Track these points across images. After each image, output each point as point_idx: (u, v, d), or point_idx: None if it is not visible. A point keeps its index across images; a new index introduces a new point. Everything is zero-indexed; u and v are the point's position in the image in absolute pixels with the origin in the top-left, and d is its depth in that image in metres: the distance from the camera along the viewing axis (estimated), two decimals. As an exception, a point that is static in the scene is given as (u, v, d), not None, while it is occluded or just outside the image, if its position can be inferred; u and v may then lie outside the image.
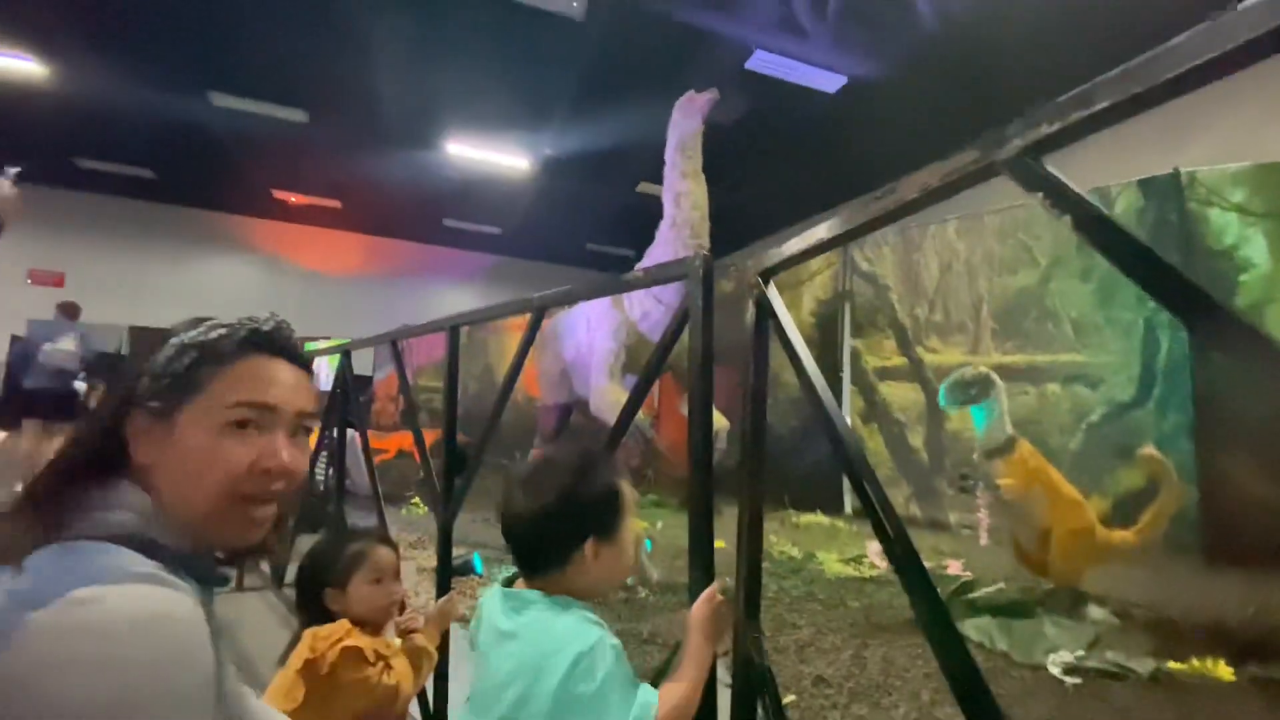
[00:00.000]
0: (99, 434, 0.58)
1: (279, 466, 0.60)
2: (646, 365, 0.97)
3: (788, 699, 2.00)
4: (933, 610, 0.55)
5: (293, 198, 10.29)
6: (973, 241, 4.79)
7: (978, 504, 3.24)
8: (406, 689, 1.17)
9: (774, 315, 0.79)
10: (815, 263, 5.61)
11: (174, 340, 0.61)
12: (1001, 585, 2.86)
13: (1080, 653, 2.26)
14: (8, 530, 0.51)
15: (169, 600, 0.48)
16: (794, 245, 0.77)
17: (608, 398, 5.28)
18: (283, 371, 0.63)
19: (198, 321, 0.63)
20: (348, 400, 2.29)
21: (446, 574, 1.36)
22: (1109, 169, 4.29)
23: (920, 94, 5.43)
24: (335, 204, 10.47)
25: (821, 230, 0.74)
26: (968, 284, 4.77)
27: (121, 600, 0.46)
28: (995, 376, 2.88)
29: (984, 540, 3.32)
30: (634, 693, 0.69)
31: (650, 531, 3.23)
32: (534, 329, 1.32)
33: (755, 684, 0.76)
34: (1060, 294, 4.24)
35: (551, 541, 0.78)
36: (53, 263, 9.64)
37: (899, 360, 5.04)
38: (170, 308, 10.87)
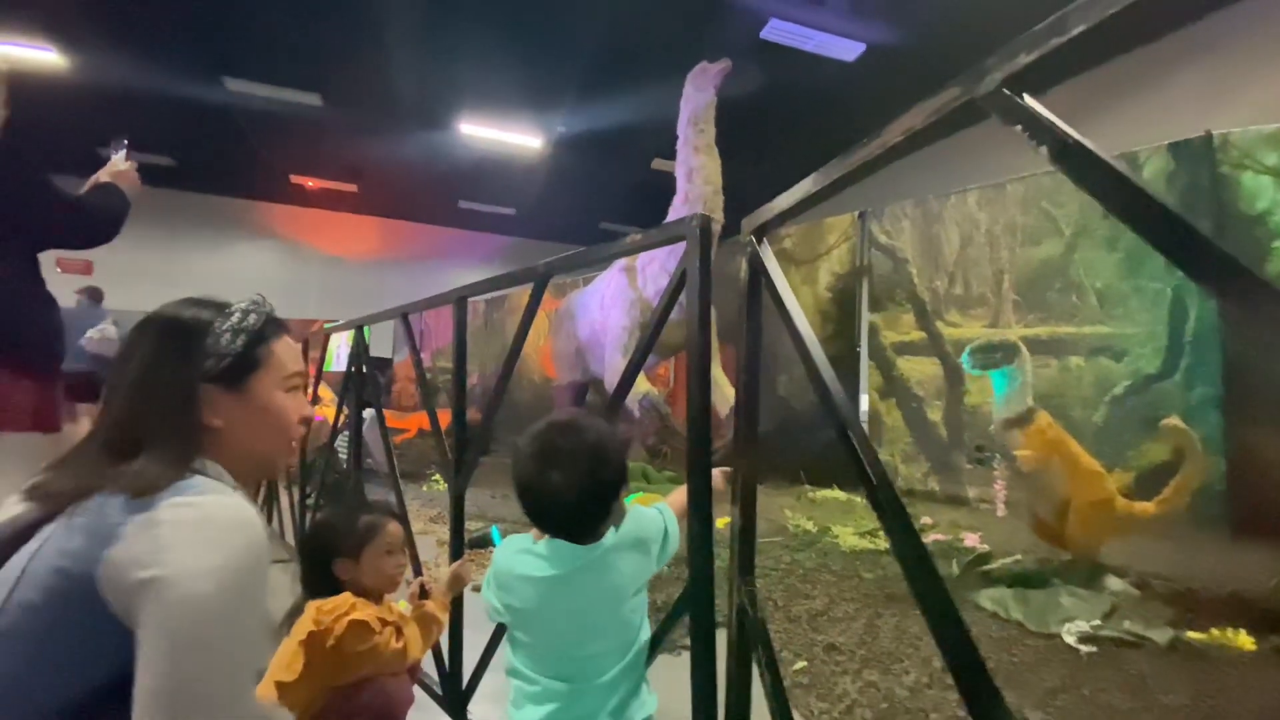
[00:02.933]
0: (176, 409, 0.72)
1: (310, 418, 0.84)
2: (647, 328, 0.98)
3: (798, 665, 2.03)
4: (915, 557, 0.56)
5: (310, 182, 10.39)
6: (994, 211, 4.68)
7: (995, 476, 3.21)
8: (415, 653, 1.21)
9: (766, 273, 0.78)
10: (832, 236, 5.52)
11: (219, 326, 0.76)
12: (1018, 557, 2.84)
13: (1096, 622, 2.24)
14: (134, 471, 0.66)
15: (249, 509, 0.66)
16: (786, 199, 0.76)
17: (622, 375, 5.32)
18: (295, 344, 0.84)
19: (204, 304, 0.78)
20: (364, 377, 2.33)
21: (460, 540, 1.39)
22: (1141, 134, 4.14)
23: (942, 61, 5.26)
24: (352, 188, 10.55)
25: (811, 183, 0.73)
26: (989, 255, 4.67)
27: (217, 501, 0.64)
28: (1023, 346, 2.83)
29: (1001, 512, 3.29)
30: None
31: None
32: (537, 296, 1.33)
33: (750, 636, 0.77)
34: (1085, 264, 4.13)
35: (601, 507, 0.86)
36: (80, 252, 9.88)
37: (918, 335, 4.96)
38: (195, 294, 11.11)
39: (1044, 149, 0.42)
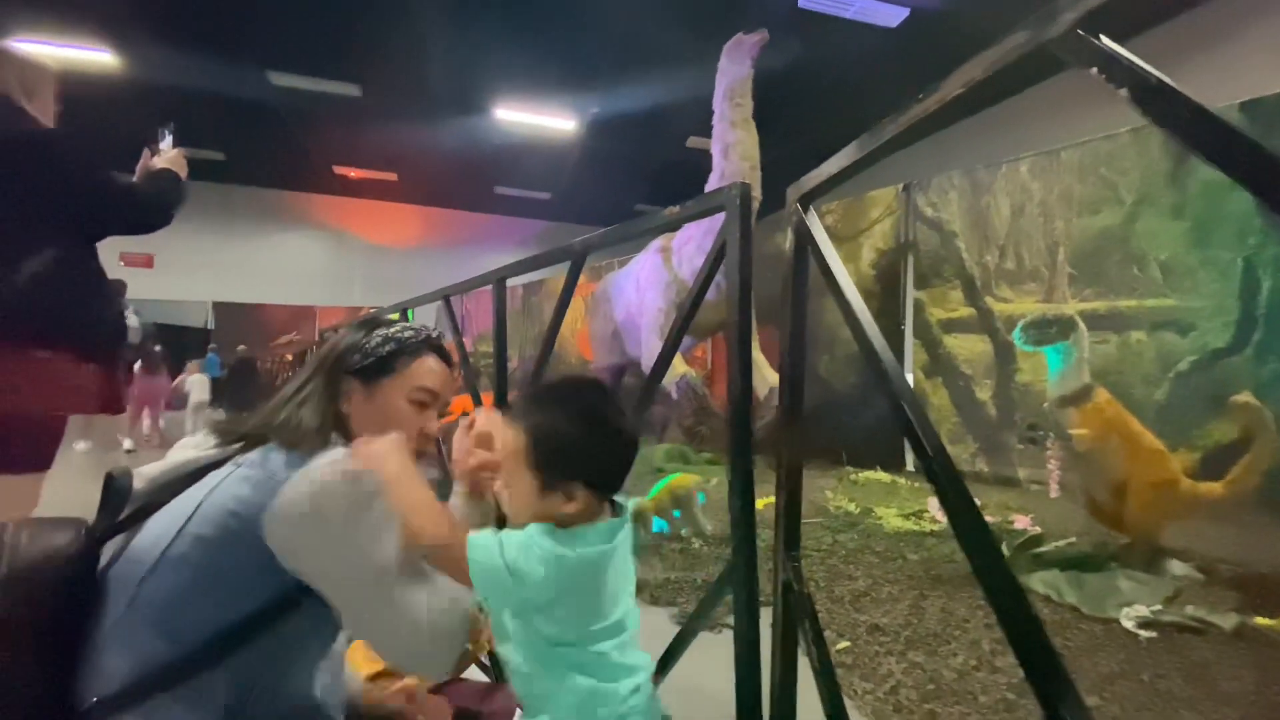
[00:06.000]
0: (333, 379, 0.84)
1: (431, 435, 0.88)
2: (684, 305, 0.96)
3: (841, 645, 2.01)
4: (980, 543, 0.53)
5: (352, 172, 10.62)
6: (1049, 180, 4.45)
7: (1048, 456, 3.10)
8: None
9: (813, 242, 0.76)
10: (875, 211, 5.35)
11: (379, 332, 0.87)
12: (1072, 540, 2.74)
13: (1157, 607, 2.15)
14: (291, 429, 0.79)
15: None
16: (834, 164, 0.74)
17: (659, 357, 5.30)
18: (440, 368, 0.90)
19: (387, 320, 0.91)
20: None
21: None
22: (1214, 92, 3.87)
23: (991, 25, 5.01)
24: (392, 177, 10.74)
25: (860, 145, 0.70)
26: (1043, 227, 4.45)
27: (349, 460, 0.73)
28: (1079, 320, 2.71)
29: (1054, 493, 3.18)
30: None
31: (703, 485, 3.25)
32: (574, 275, 1.33)
33: (795, 610, 0.76)
34: (1148, 234, 3.90)
35: None
36: (142, 245, 10.35)
37: (966, 311, 4.79)
38: (248, 284, 11.55)
39: (1124, 92, 0.39)
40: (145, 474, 0.81)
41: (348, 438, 0.82)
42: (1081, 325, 2.75)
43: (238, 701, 0.70)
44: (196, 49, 6.51)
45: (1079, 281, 4.22)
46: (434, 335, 0.91)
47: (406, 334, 0.88)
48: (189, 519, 0.72)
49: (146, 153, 1.66)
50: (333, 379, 0.84)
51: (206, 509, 0.72)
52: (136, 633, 0.68)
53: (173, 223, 1.56)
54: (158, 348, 6.89)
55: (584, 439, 0.68)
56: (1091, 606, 2.24)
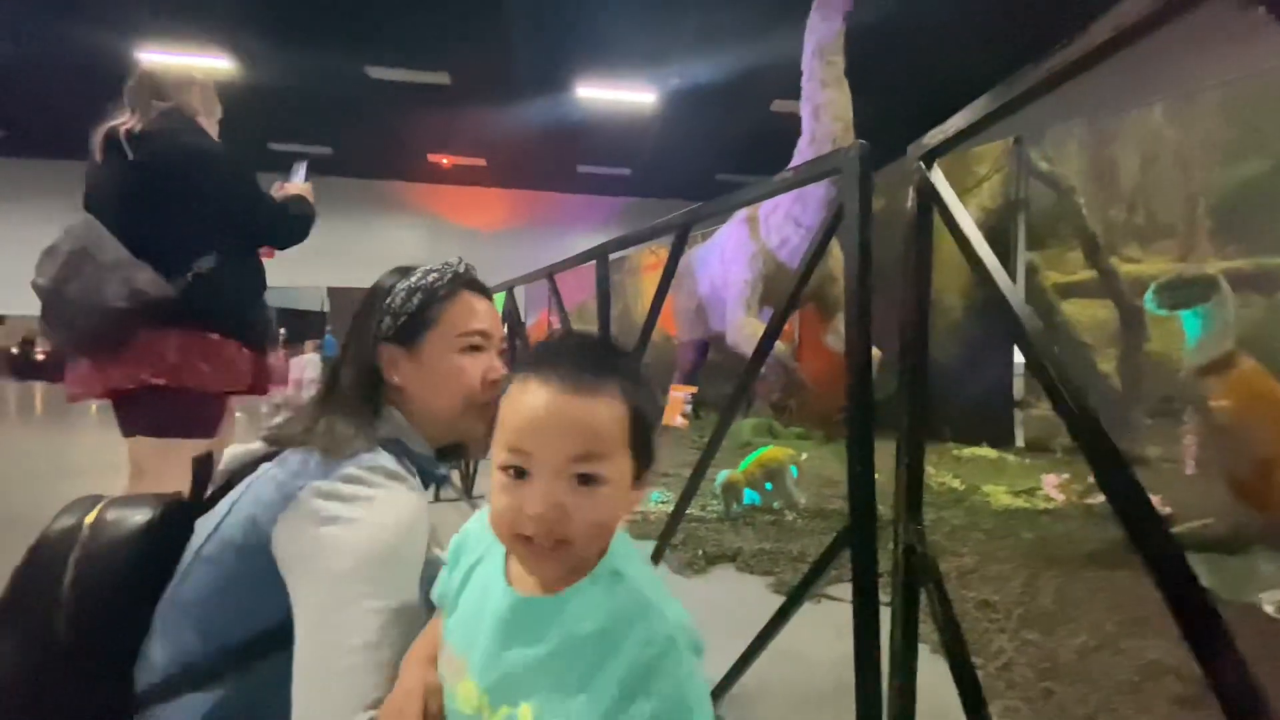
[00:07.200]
0: (361, 367, 0.75)
1: (497, 380, 0.76)
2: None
3: (948, 620, 1.96)
4: (1129, 495, 0.52)
5: (445, 159, 11.11)
6: (1185, 127, 3.98)
7: (1183, 430, 2.83)
8: None
9: (939, 200, 0.73)
10: (982, 167, 4.96)
11: (399, 287, 0.76)
12: (1208, 520, 2.51)
13: (1306, 592, 1.95)
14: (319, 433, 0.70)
15: (403, 503, 0.66)
16: (961, 119, 0.71)
17: (744, 330, 5.22)
18: (481, 304, 0.80)
19: (402, 271, 0.79)
20: (514, 338, 2.49)
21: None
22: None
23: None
24: (481, 161, 11.14)
25: (992, 98, 0.67)
26: (1179, 178, 4.00)
27: (376, 491, 0.64)
28: (1223, 280, 2.43)
29: (1190, 470, 2.91)
30: None
31: (795, 459, 3.22)
32: (679, 247, 1.35)
33: (918, 572, 0.77)
34: (1304, 182, 3.43)
35: None
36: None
37: (1086, 274, 4.39)
38: (359, 270, 12.41)
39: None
40: (233, 454, 0.78)
41: (403, 411, 0.74)
42: (1225, 286, 2.47)
43: (269, 713, 0.60)
44: (303, 51, 7.00)
45: (1221, 237, 3.77)
46: (461, 269, 0.80)
47: (431, 277, 0.77)
48: (223, 519, 0.68)
49: (278, 184, 1.89)
50: (364, 366, 0.74)
51: (236, 511, 0.67)
52: (179, 624, 0.65)
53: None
54: (281, 331, 7.63)
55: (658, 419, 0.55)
56: (1229, 591, 2.07)
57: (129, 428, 1.53)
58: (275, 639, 0.61)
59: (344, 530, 0.61)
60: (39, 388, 10.64)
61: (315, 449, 0.66)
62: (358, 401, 0.72)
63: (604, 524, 0.49)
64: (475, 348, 0.77)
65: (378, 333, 0.74)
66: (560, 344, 0.54)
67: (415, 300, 0.75)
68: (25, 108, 9.14)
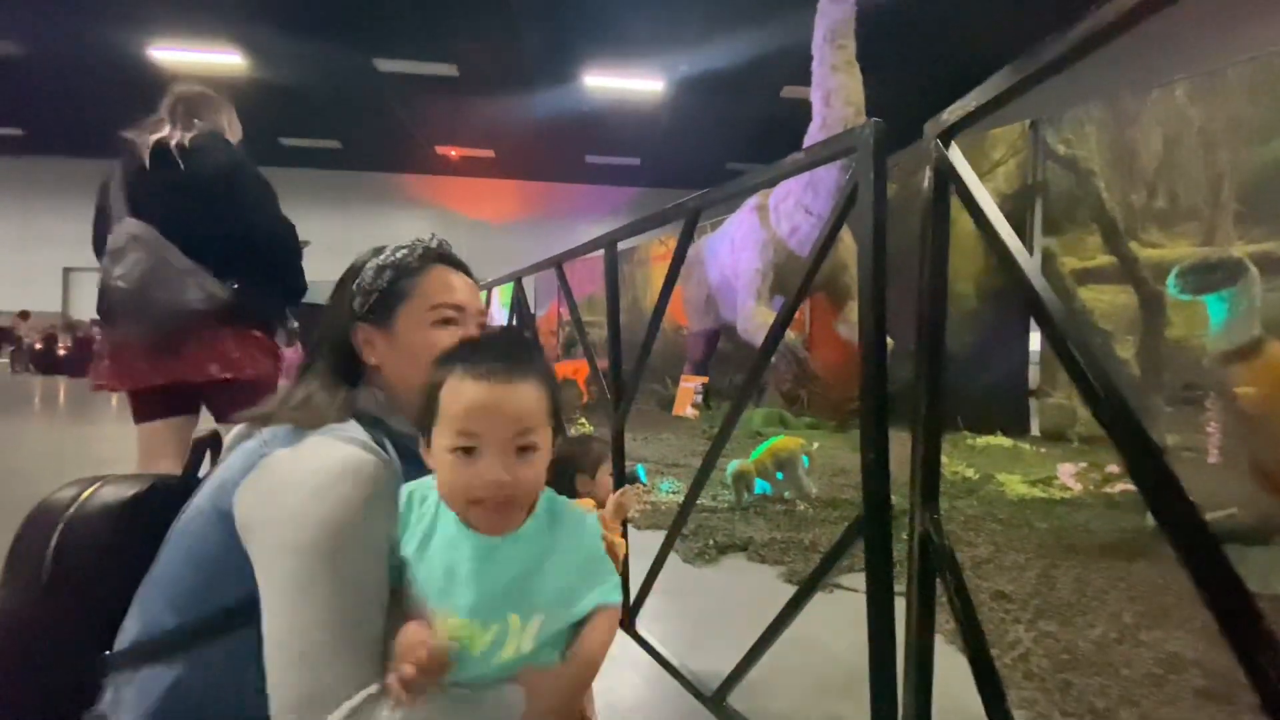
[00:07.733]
0: (335, 347, 0.75)
1: None
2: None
3: (964, 610, 1.94)
4: (1158, 477, 0.49)
5: (452, 151, 11.10)
6: (1210, 105, 3.87)
7: (1207, 418, 2.77)
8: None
9: (958, 179, 0.71)
10: (998, 151, 4.87)
11: (369, 264, 0.76)
12: (1233, 511, 2.46)
13: (1339, 585, 1.90)
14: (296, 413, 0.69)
15: (366, 460, 0.63)
16: (979, 95, 0.68)
17: (755, 319, 5.18)
18: (457, 278, 0.79)
19: (375, 250, 0.79)
20: (523, 328, 2.48)
21: (621, 472, 1.48)
22: None
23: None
24: (489, 153, 11.12)
25: (1014, 71, 0.64)
26: (1202, 159, 3.90)
27: (335, 449, 0.63)
28: (1249, 263, 2.36)
29: (1213, 459, 2.85)
30: None
31: (807, 449, 3.20)
32: (688, 234, 1.32)
33: (935, 561, 0.75)
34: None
35: None
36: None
37: (1105, 259, 4.31)
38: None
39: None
40: (236, 434, 0.75)
41: (384, 390, 0.74)
42: (1252, 269, 2.39)
43: (230, 690, 0.60)
44: (312, 44, 7.00)
45: (1247, 220, 3.68)
46: (433, 244, 0.79)
47: (400, 253, 0.76)
48: (199, 489, 0.68)
49: None
50: (338, 345, 0.74)
51: (211, 480, 0.67)
52: (153, 596, 0.64)
53: (300, 207, 1.86)
54: (295, 324, 7.67)
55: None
56: (1255, 583, 1.98)
57: (171, 414, 1.68)
58: (241, 614, 0.60)
59: (305, 498, 0.59)
60: (62, 382, 10.82)
61: (288, 422, 0.67)
62: (334, 381, 0.72)
63: (539, 481, 0.63)
64: (449, 320, 0.75)
65: (351, 312, 0.74)
66: (484, 342, 0.66)
67: (385, 276, 0.75)
68: (42, 107, 9.24)
